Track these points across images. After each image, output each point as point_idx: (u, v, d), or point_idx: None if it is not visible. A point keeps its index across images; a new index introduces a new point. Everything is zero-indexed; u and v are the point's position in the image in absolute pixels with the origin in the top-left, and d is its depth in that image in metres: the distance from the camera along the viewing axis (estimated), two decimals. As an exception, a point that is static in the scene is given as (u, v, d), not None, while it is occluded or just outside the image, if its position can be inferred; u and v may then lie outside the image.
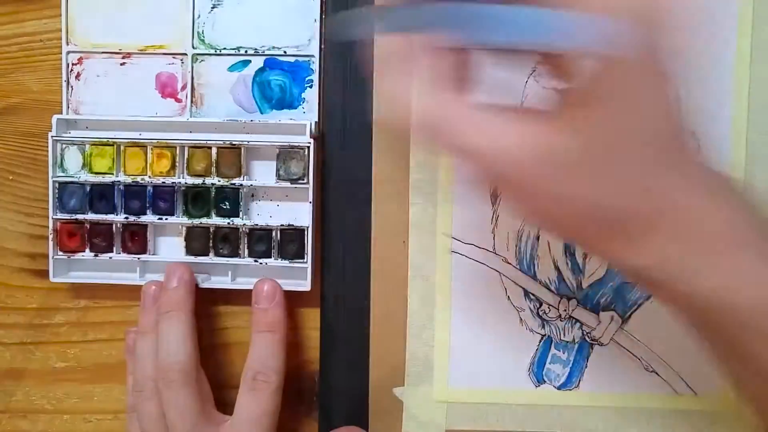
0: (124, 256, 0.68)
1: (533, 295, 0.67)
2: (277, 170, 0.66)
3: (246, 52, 0.68)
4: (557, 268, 0.67)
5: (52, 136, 0.67)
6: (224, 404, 0.70)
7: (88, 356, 0.71)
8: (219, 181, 0.67)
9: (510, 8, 0.41)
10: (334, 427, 0.68)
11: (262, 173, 0.68)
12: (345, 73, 0.67)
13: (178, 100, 0.68)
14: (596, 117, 0.44)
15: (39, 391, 0.71)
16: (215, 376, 0.70)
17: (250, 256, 0.67)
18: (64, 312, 0.71)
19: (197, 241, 0.68)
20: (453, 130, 0.45)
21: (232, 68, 0.68)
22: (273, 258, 0.67)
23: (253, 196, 0.69)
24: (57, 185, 0.67)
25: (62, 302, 0.71)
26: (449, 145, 0.46)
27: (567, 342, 0.67)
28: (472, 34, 0.43)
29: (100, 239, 0.68)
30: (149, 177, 0.67)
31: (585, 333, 0.67)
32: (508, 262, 0.67)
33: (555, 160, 0.44)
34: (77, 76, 0.68)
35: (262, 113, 0.68)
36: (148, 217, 0.67)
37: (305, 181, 0.66)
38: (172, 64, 0.68)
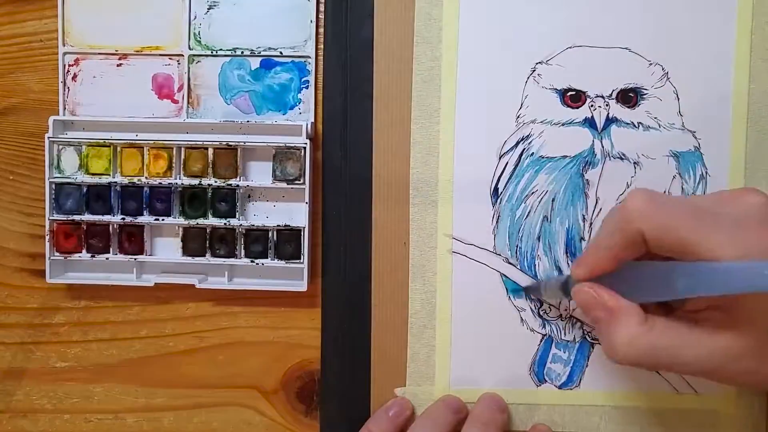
0: (120, 257, 0.68)
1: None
2: (274, 171, 0.66)
3: (242, 53, 0.67)
4: (558, 268, 0.66)
5: (48, 138, 0.67)
6: (222, 404, 0.70)
7: (88, 356, 0.71)
8: (215, 181, 0.67)
9: (725, 265, 0.49)
10: (334, 427, 0.68)
11: (259, 174, 0.68)
12: (345, 73, 0.67)
13: (175, 101, 0.68)
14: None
15: (39, 390, 0.72)
16: (213, 376, 0.70)
17: (246, 256, 0.67)
18: (64, 312, 0.71)
19: (194, 242, 0.68)
20: (670, 354, 0.53)
21: (228, 69, 0.68)
22: (269, 258, 0.67)
23: (249, 196, 0.69)
24: (54, 186, 0.67)
25: (62, 302, 0.71)
26: (659, 366, 0.55)
27: (568, 341, 0.67)
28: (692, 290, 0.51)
29: (96, 240, 0.68)
30: (146, 178, 0.67)
31: (586, 332, 0.67)
32: (509, 262, 0.67)
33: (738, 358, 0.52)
34: (74, 78, 0.68)
35: (258, 114, 0.68)
36: (145, 218, 0.67)
37: (301, 181, 0.66)
38: (169, 65, 0.68)
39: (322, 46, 0.68)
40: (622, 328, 0.54)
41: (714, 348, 0.52)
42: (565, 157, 0.65)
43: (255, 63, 0.68)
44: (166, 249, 0.69)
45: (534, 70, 0.66)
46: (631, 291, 0.55)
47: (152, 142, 0.67)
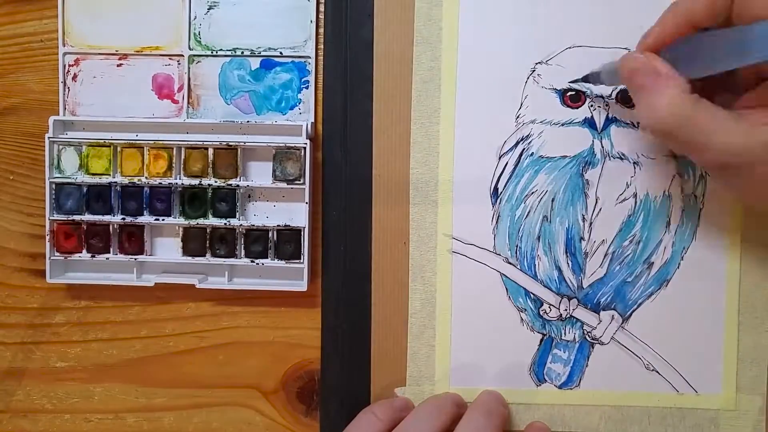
0: (121, 257, 0.68)
1: (534, 294, 0.67)
2: (274, 171, 0.66)
3: (242, 53, 0.67)
4: (558, 268, 0.66)
5: (48, 138, 0.67)
6: (222, 404, 0.70)
7: (88, 356, 0.71)
8: (216, 181, 0.67)
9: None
10: (334, 427, 0.68)
11: (259, 174, 0.68)
12: (345, 73, 0.67)
13: (175, 102, 0.68)
14: None
15: (40, 390, 0.72)
16: (213, 376, 0.70)
17: (246, 256, 0.67)
18: (64, 312, 0.71)
19: (194, 242, 0.68)
20: (705, 131, 0.52)
21: (228, 69, 0.68)
22: (269, 258, 0.67)
23: (249, 196, 0.69)
24: (54, 186, 0.67)
25: (63, 302, 0.71)
26: (690, 144, 0.53)
27: (568, 341, 0.67)
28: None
29: (96, 240, 0.68)
30: (146, 178, 0.67)
31: (585, 332, 0.67)
32: (509, 262, 0.67)
33: None
34: (74, 78, 0.68)
35: (258, 114, 0.68)
36: (145, 218, 0.67)
37: (301, 181, 0.66)
38: (169, 65, 0.68)
39: (322, 46, 0.68)
40: (667, 91, 0.53)
41: (750, 141, 0.51)
42: (564, 157, 0.65)
43: (255, 63, 0.68)
44: (166, 249, 0.69)
45: (534, 70, 0.66)
46: (689, 66, 0.54)
47: (152, 142, 0.67)
